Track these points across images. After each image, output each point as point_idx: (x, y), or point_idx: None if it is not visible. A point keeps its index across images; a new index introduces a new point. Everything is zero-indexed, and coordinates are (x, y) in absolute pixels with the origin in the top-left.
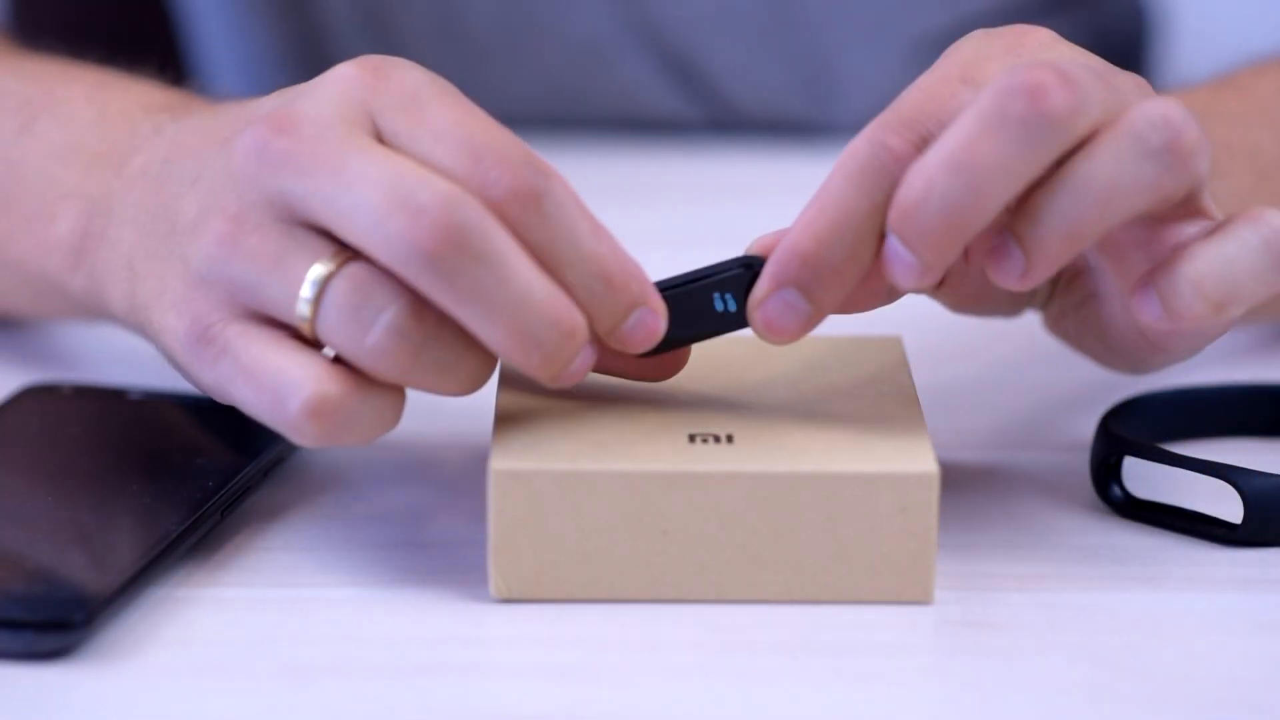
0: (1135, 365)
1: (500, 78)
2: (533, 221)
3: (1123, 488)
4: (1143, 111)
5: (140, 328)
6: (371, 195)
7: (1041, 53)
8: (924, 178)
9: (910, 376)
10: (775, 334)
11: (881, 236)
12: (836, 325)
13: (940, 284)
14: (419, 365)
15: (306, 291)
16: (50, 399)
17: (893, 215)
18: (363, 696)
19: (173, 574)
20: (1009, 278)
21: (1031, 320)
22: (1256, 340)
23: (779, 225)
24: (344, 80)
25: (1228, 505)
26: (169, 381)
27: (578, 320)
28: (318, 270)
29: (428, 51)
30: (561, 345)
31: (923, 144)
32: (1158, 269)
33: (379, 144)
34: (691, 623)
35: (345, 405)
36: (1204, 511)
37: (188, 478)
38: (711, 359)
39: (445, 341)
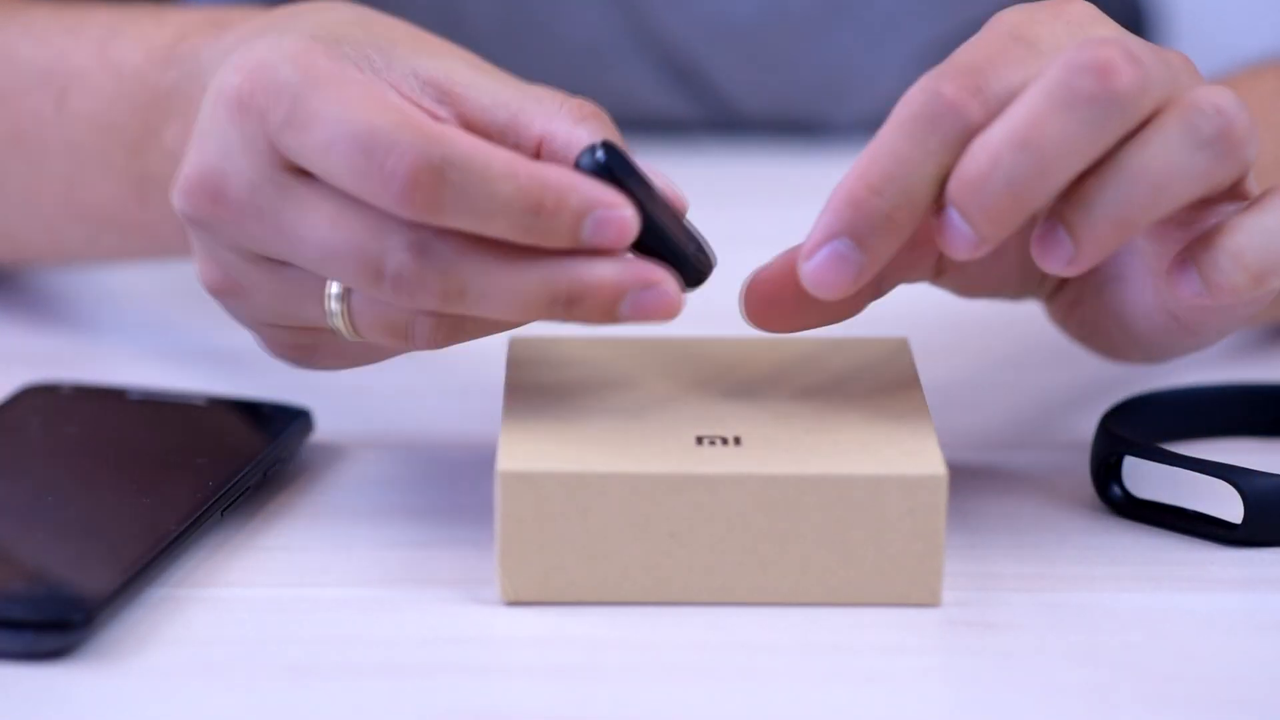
0: (1155, 352)
1: None
2: (445, 195)
3: (1123, 487)
4: (1195, 100)
5: None
6: (334, 261)
7: (1090, 28)
8: (989, 153)
9: (917, 378)
10: (825, 288)
11: (937, 187)
12: (840, 326)
13: (940, 272)
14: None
15: (335, 306)
16: (50, 399)
17: (954, 187)
18: (363, 696)
19: (173, 574)
20: (1056, 263)
21: (1032, 320)
22: (1256, 340)
23: (781, 226)
24: (233, 116)
25: (1228, 505)
26: (169, 381)
27: (565, 183)
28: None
29: None
30: (557, 213)
31: (977, 93)
32: (1196, 244)
33: (299, 186)
34: (694, 623)
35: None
36: (1204, 511)
37: (188, 478)
38: (718, 360)
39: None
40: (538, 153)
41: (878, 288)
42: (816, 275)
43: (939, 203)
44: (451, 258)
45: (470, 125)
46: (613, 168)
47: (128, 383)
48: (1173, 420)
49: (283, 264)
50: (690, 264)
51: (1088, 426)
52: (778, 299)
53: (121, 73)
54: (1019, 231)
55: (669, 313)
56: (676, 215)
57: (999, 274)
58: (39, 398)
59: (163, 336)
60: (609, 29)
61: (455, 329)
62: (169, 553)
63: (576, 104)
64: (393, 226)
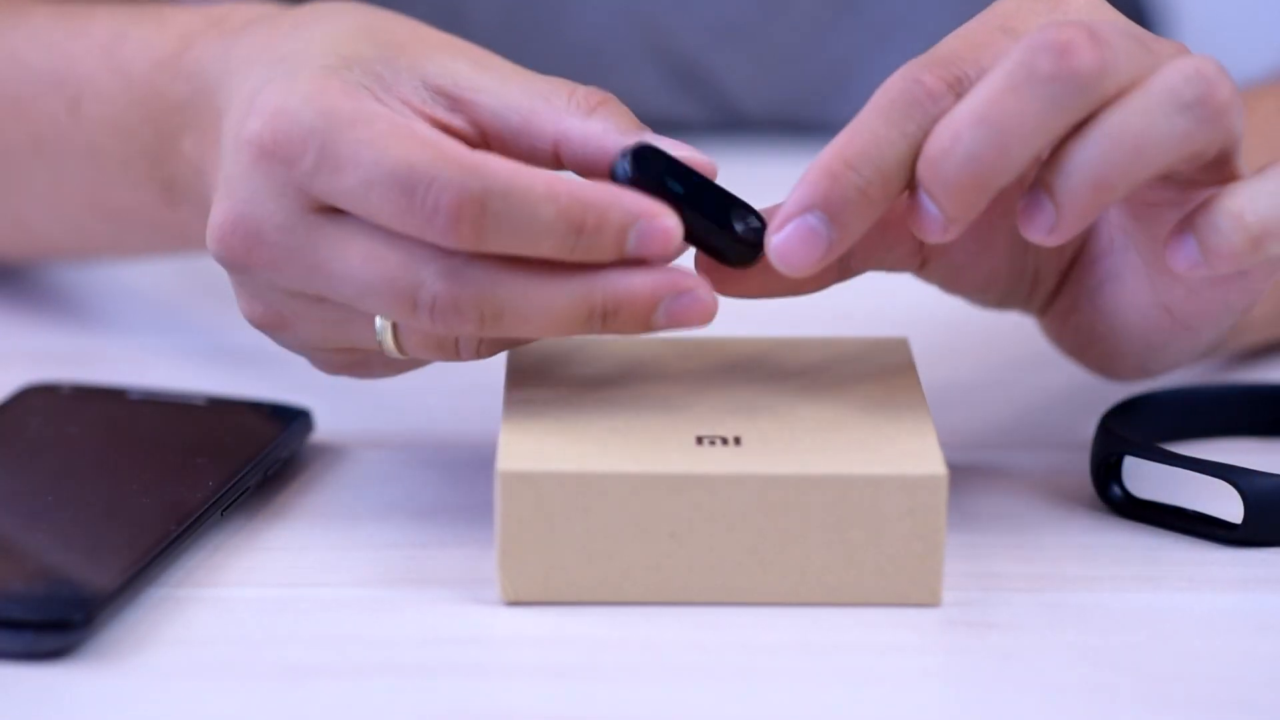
0: (1150, 357)
1: None
2: (488, 225)
3: (1123, 487)
4: (1176, 65)
5: None
6: (371, 294)
7: (1082, 14)
8: (950, 130)
9: (917, 378)
10: (792, 262)
11: (910, 170)
12: (840, 326)
13: (924, 263)
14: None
15: (382, 329)
16: (50, 399)
17: (920, 166)
18: (363, 696)
19: (173, 574)
20: (1039, 231)
21: (1031, 320)
22: None
23: None
24: (258, 164)
25: (1228, 505)
26: (169, 381)
27: (605, 201)
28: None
29: None
30: (601, 229)
31: (956, 84)
32: (1193, 212)
33: (331, 225)
34: (694, 623)
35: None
36: (1204, 511)
37: (188, 478)
38: (718, 360)
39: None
40: (556, 154)
41: (846, 269)
42: (785, 248)
43: (912, 187)
44: (486, 282)
45: (483, 130)
46: (646, 174)
47: (128, 383)
48: (1173, 420)
49: (323, 298)
50: (739, 245)
51: (1088, 426)
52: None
53: (131, 79)
54: (1003, 224)
55: (704, 318)
56: (720, 195)
57: (985, 269)
58: (39, 398)
59: (164, 336)
60: (612, 30)
61: (498, 341)
62: (169, 553)
63: (584, 95)
64: (426, 256)
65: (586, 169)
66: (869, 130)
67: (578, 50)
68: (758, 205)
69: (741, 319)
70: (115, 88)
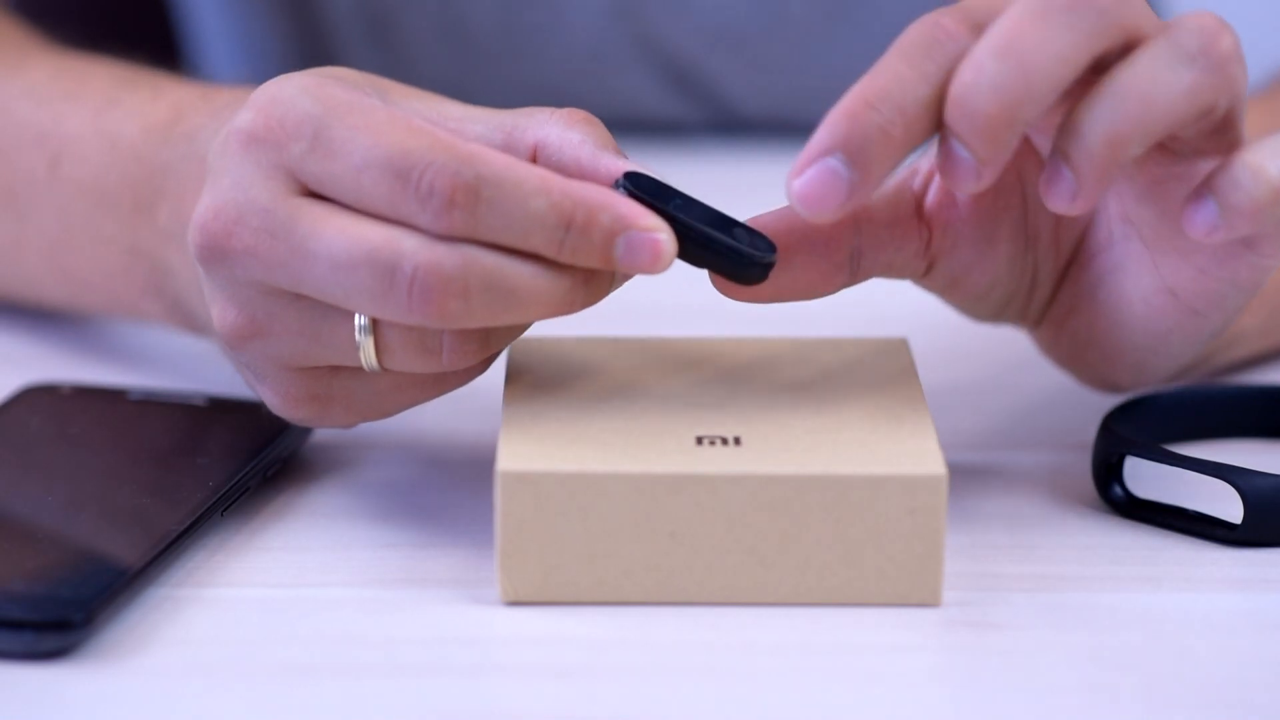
0: (1149, 354)
1: (501, 80)
2: (480, 213)
3: (1124, 487)
4: (1179, 21)
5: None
6: (350, 271)
7: None
8: (974, 65)
9: (917, 378)
10: (813, 205)
11: (933, 111)
12: (840, 327)
13: (929, 266)
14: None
15: (362, 335)
16: (50, 399)
17: (947, 108)
18: (363, 696)
19: (173, 574)
20: (1062, 199)
21: None
22: None
23: None
24: (248, 149)
25: (1228, 505)
26: (169, 381)
27: (592, 201)
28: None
29: (429, 54)
30: (589, 228)
31: (977, 30)
32: (1211, 174)
33: (314, 206)
34: (694, 623)
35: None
36: (1204, 511)
37: (188, 478)
38: (718, 360)
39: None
40: (533, 157)
41: (855, 271)
42: (806, 190)
43: (944, 137)
44: (471, 252)
45: None
46: (645, 191)
47: (128, 383)
48: (1174, 420)
49: (300, 295)
50: (751, 266)
51: (1088, 426)
52: None
53: (116, 144)
54: (1004, 222)
55: (655, 261)
56: (721, 219)
57: (987, 272)
58: (39, 398)
59: (164, 336)
60: (610, 34)
61: (484, 340)
62: (169, 553)
63: (567, 111)
64: (409, 231)
65: (562, 173)
66: (889, 70)
67: (575, 53)
68: (755, 209)
69: (742, 319)
70: (98, 150)
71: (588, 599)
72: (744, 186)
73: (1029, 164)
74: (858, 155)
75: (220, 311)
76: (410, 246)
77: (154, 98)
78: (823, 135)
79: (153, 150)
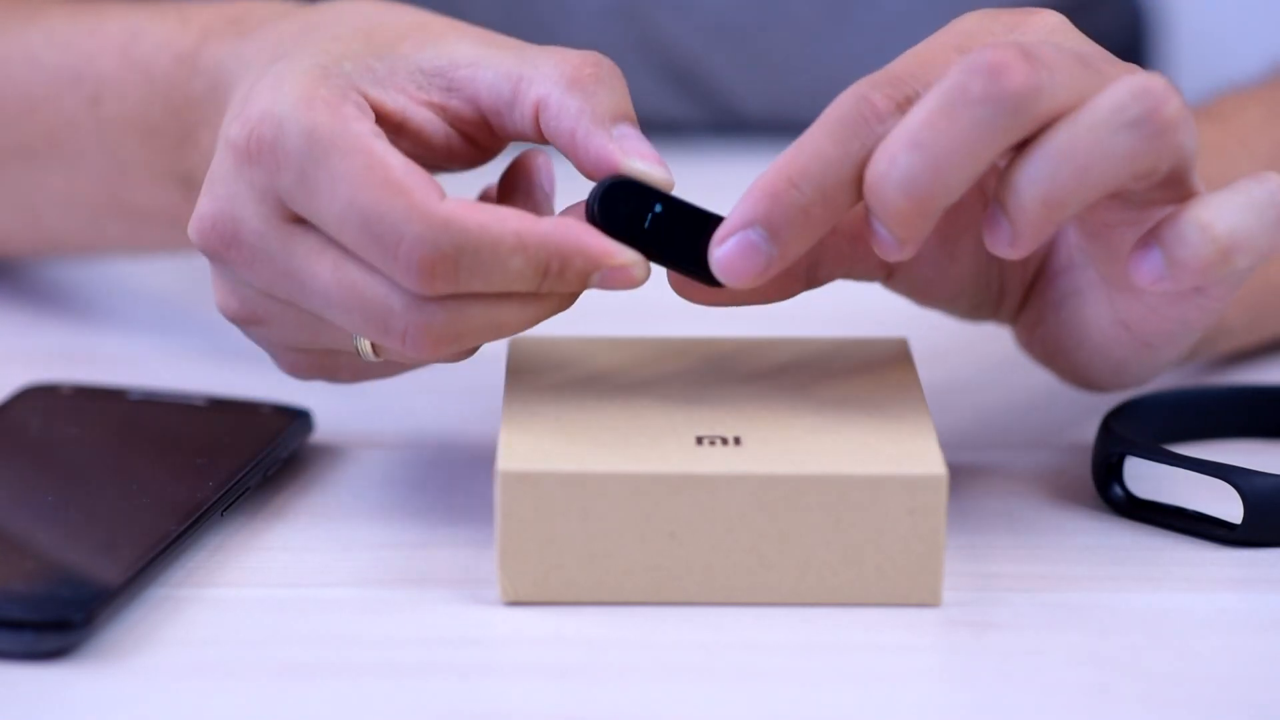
0: (1113, 373)
1: None
2: (461, 277)
3: (1124, 487)
4: (1122, 83)
5: None
6: (344, 310)
7: (1041, 35)
8: (887, 155)
9: (917, 378)
10: (732, 275)
11: (855, 189)
12: (840, 327)
13: (890, 274)
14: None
15: (365, 346)
16: (50, 399)
17: (865, 191)
18: (362, 696)
19: (173, 574)
20: (999, 245)
21: None
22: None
23: None
24: (240, 168)
25: (1228, 505)
26: (169, 381)
27: (572, 242)
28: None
29: None
30: (565, 270)
31: (906, 104)
32: (1159, 225)
33: (306, 236)
34: (694, 623)
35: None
36: (1204, 511)
37: (188, 478)
38: (718, 360)
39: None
40: (535, 116)
41: (813, 278)
42: (726, 261)
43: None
44: (456, 309)
45: (479, 105)
46: (613, 216)
47: (128, 383)
48: (1174, 421)
49: (296, 304)
50: (709, 273)
51: (1088, 426)
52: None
53: (152, 75)
54: (967, 237)
55: (630, 285)
56: (694, 216)
57: (952, 281)
58: (39, 398)
59: (164, 336)
60: (610, 32)
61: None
62: (169, 553)
63: (572, 67)
64: (393, 288)
65: (554, 141)
66: (814, 148)
67: None
68: None
69: (741, 319)
70: (135, 84)
71: (588, 599)
72: (744, 186)
73: (992, 181)
74: (778, 232)
75: (222, 298)
76: (399, 305)
77: (179, 25)
78: (745, 208)
79: (186, 79)
